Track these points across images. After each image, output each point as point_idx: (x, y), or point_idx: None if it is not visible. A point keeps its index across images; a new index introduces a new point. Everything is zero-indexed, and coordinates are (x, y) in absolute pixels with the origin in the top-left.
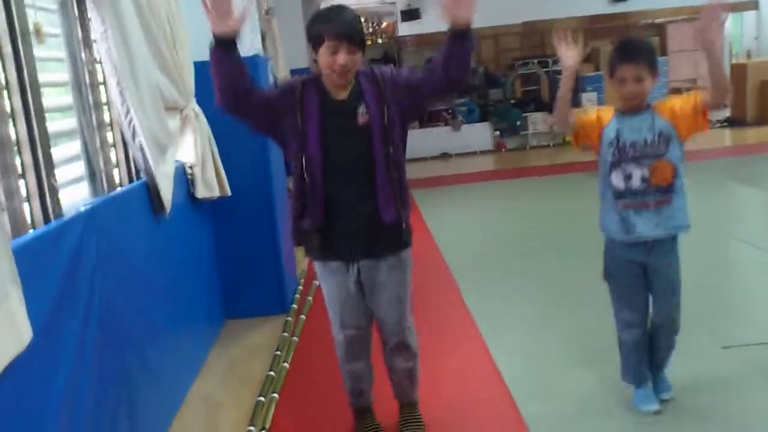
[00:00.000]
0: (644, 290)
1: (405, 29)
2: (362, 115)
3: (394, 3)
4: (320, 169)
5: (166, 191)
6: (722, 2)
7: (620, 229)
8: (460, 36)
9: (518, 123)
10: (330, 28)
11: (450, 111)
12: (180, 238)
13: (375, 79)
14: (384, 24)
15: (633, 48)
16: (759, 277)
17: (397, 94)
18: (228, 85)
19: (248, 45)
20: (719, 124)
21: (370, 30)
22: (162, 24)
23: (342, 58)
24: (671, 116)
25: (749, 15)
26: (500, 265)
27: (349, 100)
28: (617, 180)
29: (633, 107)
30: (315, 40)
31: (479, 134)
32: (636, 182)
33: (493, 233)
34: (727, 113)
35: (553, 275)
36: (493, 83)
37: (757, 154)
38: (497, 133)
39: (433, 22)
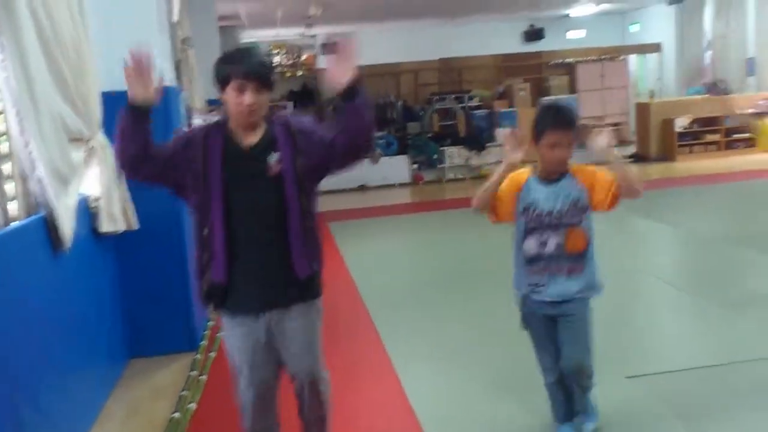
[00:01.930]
0: (555, 334)
1: (324, 62)
2: (274, 165)
3: (314, 36)
4: (222, 221)
5: (67, 225)
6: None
7: (532, 294)
8: (349, 96)
9: (435, 156)
10: (237, 67)
11: None
12: (80, 274)
13: (289, 127)
14: (304, 56)
15: (565, 114)
16: (664, 308)
17: (311, 148)
18: (132, 155)
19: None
20: (626, 160)
21: (290, 62)
22: (67, 53)
23: (249, 97)
24: (589, 185)
25: (652, 57)
26: (416, 298)
27: (259, 148)
28: (531, 246)
29: (554, 172)
30: (222, 80)
31: (397, 167)
32: (551, 248)
33: (409, 266)
34: (632, 149)
35: (469, 309)
36: (412, 117)
37: (660, 189)
38: (415, 166)
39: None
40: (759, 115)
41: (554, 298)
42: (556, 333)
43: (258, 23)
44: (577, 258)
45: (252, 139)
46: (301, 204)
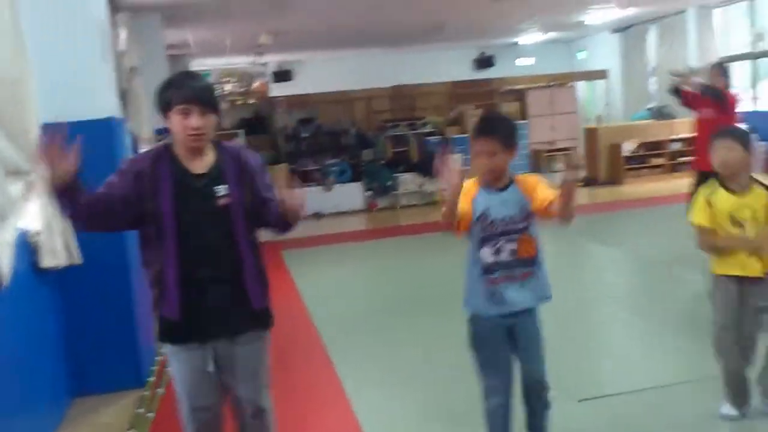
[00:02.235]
0: (509, 354)
1: (277, 90)
2: (223, 196)
3: (266, 64)
4: (175, 256)
5: (4, 261)
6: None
7: (489, 304)
8: (287, 222)
9: (389, 183)
10: (180, 92)
11: (321, 171)
12: (20, 311)
13: (239, 159)
14: (256, 84)
15: (487, 123)
16: (613, 330)
17: (256, 190)
18: (77, 220)
19: (102, 106)
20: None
21: (242, 90)
22: (4, 85)
23: (195, 120)
24: (531, 193)
25: (599, 83)
26: (370, 325)
27: (208, 177)
28: (487, 254)
29: (493, 181)
30: (165, 106)
31: (351, 194)
32: (505, 256)
33: (364, 293)
34: (582, 174)
35: (423, 334)
36: (365, 144)
37: (609, 212)
38: (369, 193)
39: (305, 84)
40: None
41: (512, 307)
42: (508, 348)
43: (207, 51)
44: (530, 263)
45: (200, 165)
46: (249, 236)
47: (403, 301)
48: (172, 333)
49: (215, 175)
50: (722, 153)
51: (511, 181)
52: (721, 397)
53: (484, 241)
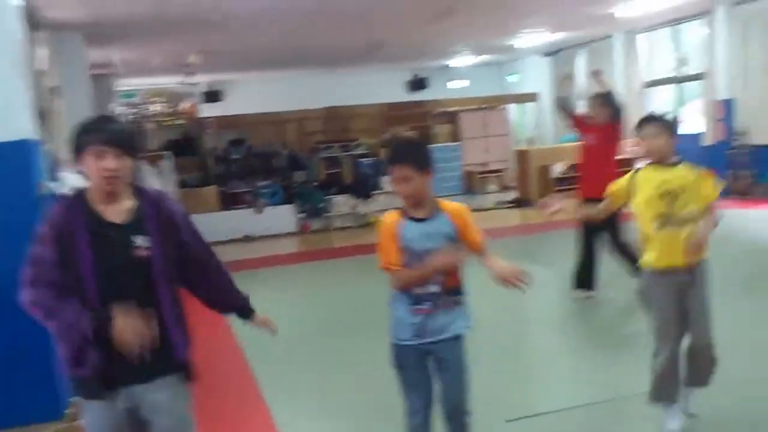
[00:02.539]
0: (429, 377)
1: (207, 110)
2: (142, 248)
3: (195, 84)
4: (96, 305)
5: None
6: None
7: (413, 334)
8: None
9: (322, 205)
10: (96, 135)
11: (252, 193)
12: None
13: (160, 207)
14: (185, 105)
15: (399, 149)
16: (542, 349)
17: (177, 243)
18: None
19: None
20: (508, 205)
21: (170, 111)
22: None
23: (110, 163)
24: (460, 223)
25: (530, 106)
26: (304, 353)
27: (125, 226)
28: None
29: (415, 207)
30: (81, 149)
31: (283, 216)
32: (432, 287)
33: (297, 318)
34: (514, 195)
35: (358, 360)
36: (297, 166)
37: (540, 233)
38: (301, 215)
39: (236, 105)
40: (630, 160)
41: (435, 336)
42: (428, 371)
43: (134, 71)
44: (454, 292)
45: (117, 212)
46: (170, 286)
47: (336, 325)
48: (85, 388)
49: (134, 225)
50: (650, 140)
51: (437, 210)
52: (663, 411)
53: None
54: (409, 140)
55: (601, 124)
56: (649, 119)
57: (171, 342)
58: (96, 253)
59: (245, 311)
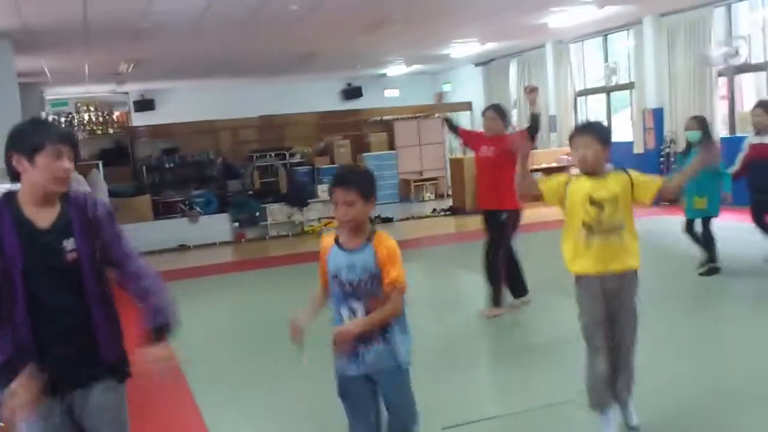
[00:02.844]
0: (375, 404)
1: (139, 119)
2: (70, 252)
3: (127, 93)
4: (27, 311)
5: None
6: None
7: (349, 364)
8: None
9: (257, 213)
10: (51, 133)
11: (186, 202)
12: None
13: (86, 209)
14: (117, 114)
15: (346, 173)
16: (477, 356)
17: (106, 243)
18: None
19: None
20: (443, 213)
21: (101, 119)
22: None
23: (66, 163)
24: (382, 255)
25: (464, 115)
26: (240, 364)
27: (54, 231)
28: (345, 313)
29: (351, 233)
30: (34, 148)
31: (218, 225)
32: (360, 316)
33: (232, 329)
34: (449, 203)
35: (297, 372)
36: (232, 174)
37: (476, 240)
38: (236, 224)
39: (168, 113)
40: (562, 168)
41: (371, 369)
42: (373, 398)
43: (64, 80)
44: (384, 327)
45: (45, 217)
46: (100, 289)
47: (275, 336)
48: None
49: (61, 229)
50: (581, 150)
51: (369, 241)
52: (595, 411)
53: (340, 301)
54: (357, 166)
55: (494, 136)
56: (582, 129)
57: (100, 344)
58: (25, 257)
59: (157, 334)
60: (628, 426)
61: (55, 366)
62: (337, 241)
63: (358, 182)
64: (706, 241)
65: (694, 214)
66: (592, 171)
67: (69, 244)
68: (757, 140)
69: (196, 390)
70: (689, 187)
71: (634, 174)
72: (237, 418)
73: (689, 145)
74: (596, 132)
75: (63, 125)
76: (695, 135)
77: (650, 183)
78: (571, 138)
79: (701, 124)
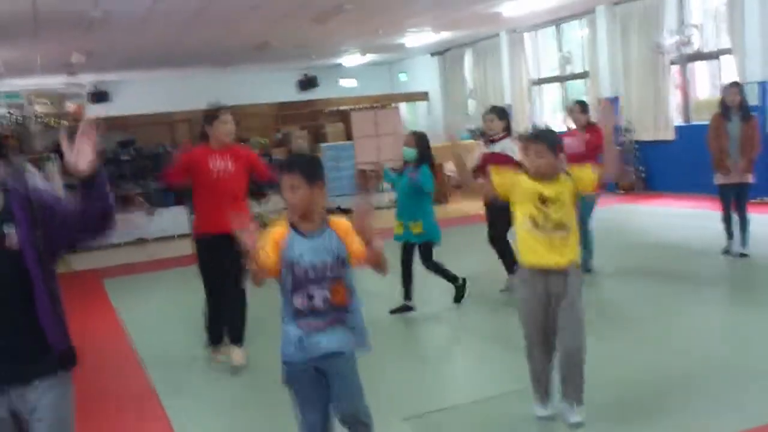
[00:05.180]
0: (324, 392)
1: (94, 111)
2: (11, 237)
3: (83, 85)
4: None
5: None
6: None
7: (298, 349)
8: (89, 181)
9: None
10: None
11: (143, 195)
12: None
13: (28, 198)
14: (71, 105)
15: (290, 160)
16: (437, 346)
17: (52, 223)
18: None
19: None
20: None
21: (55, 112)
22: None
23: None
24: (345, 236)
25: (422, 105)
26: (203, 360)
27: None
28: (300, 301)
29: (302, 220)
30: None
31: (176, 218)
32: (318, 302)
33: (194, 323)
34: None
35: (254, 363)
36: None
37: None
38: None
39: (124, 105)
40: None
41: (322, 352)
42: (323, 385)
43: (17, 71)
44: (341, 310)
45: None
46: (45, 276)
47: None
48: None
49: (1, 216)
50: (534, 159)
51: (326, 225)
52: (533, 399)
53: (296, 288)
54: (303, 154)
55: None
56: (534, 138)
57: (45, 331)
58: None
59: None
60: (567, 423)
61: (1, 362)
62: (294, 227)
63: (302, 166)
64: (435, 270)
65: (408, 238)
66: (544, 177)
67: (9, 229)
68: (488, 149)
69: (161, 392)
70: (401, 212)
71: (574, 171)
72: (197, 409)
73: (405, 163)
74: (548, 141)
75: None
76: (411, 153)
77: (588, 174)
78: (524, 144)
79: (420, 141)
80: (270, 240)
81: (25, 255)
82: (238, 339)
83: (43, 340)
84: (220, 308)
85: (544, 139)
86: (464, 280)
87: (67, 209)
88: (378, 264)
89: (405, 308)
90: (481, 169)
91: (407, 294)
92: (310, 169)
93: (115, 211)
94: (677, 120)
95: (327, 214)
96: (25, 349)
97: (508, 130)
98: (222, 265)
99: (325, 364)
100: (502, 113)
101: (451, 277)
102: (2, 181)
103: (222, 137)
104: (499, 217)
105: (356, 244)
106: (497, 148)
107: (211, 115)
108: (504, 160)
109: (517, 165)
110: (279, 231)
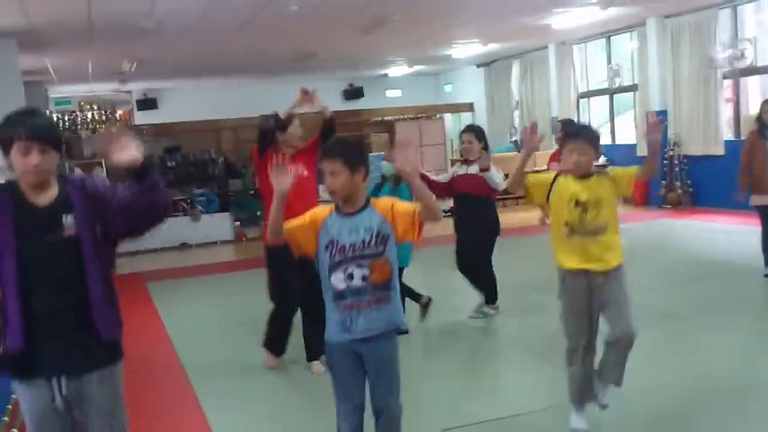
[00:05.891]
0: (361, 380)
1: (141, 118)
2: (69, 227)
3: (129, 92)
4: (16, 286)
5: None
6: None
7: (340, 330)
8: (140, 177)
9: (258, 213)
10: (20, 129)
11: (188, 201)
12: None
13: (85, 189)
14: (119, 112)
15: (330, 145)
16: (479, 357)
17: (108, 213)
18: None
19: None
20: (444, 214)
21: (103, 119)
22: None
23: (35, 158)
24: (388, 215)
25: (466, 116)
26: (242, 365)
27: (53, 208)
28: (338, 281)
29: (344, 203)
30: (5, 144)
31: (219, 224)
32: (357, 281)
33: (234, 328)
34: (450, 204)
35: (296, 373)
36: (234, 174)
37: None
38: (237, 223)
39: (171, 112)
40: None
41: (364, 334)
42: (361, 372)
43: (68, 78)
44: (383, 289)
45: (44, 198)
46: (100, 267)
47: None
48: (17, 365)
49: (60, 207)
50: (576, 156)
51: (367, 205)
52: (569, 408)
53: (334, 267)
54: (344, 139)
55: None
56: (576, 134)
57: (96, 322)
58: (20, 234)
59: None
60: (599, 403)
61: (48, 345)
62: (336, 209)
63: (343, 152)
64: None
65: None
66: (582, 175)
67: (68, 220)
68: (463, 171)
69: (200, 393)
70: None
71: (612, 171)
72: (233, 407)
73: (383, 178)
74: (590, 138)
75: (66, 123)
76: (391, 168)
77: (627, 173)
78: (564, 141)
79: None
80: (310, 215)
81: (81, 240)
82: (318, 355)
83: (95, 332)
84: (291, 320)
85: (586, 135)
86: (429, 298)
87: (122, 198)
88: (429, 209)
89: (426, 305)
90: (443, 190)
91: (415, 299)
92: (352, 154)
93: (169, 197)
94: (727, 134)
95: (371, 199)
96: (80, 341)
97: (485, 150)
98: (298, 276)
99: (364, 347)
100: (480, 133)
101: (415, 296)
102: (60, 178)
103: (294, 142)
104: (484, 241)
105: (400, 212)
106: (472, 170)
107: (284, 124)
108: (476, 182)
109: (493, 192)
110: (320, 213)
